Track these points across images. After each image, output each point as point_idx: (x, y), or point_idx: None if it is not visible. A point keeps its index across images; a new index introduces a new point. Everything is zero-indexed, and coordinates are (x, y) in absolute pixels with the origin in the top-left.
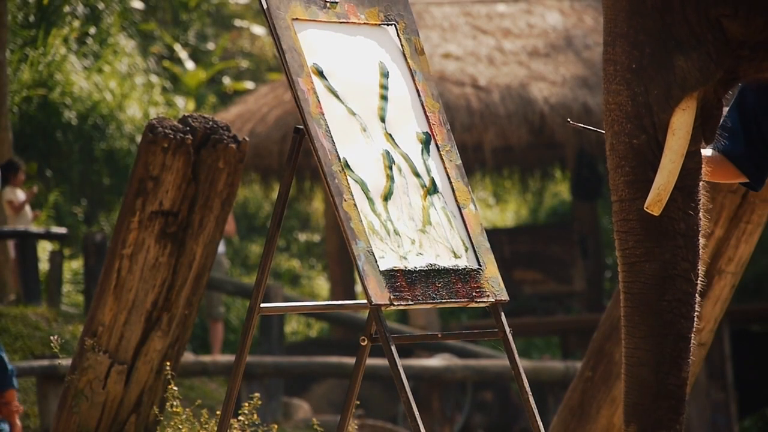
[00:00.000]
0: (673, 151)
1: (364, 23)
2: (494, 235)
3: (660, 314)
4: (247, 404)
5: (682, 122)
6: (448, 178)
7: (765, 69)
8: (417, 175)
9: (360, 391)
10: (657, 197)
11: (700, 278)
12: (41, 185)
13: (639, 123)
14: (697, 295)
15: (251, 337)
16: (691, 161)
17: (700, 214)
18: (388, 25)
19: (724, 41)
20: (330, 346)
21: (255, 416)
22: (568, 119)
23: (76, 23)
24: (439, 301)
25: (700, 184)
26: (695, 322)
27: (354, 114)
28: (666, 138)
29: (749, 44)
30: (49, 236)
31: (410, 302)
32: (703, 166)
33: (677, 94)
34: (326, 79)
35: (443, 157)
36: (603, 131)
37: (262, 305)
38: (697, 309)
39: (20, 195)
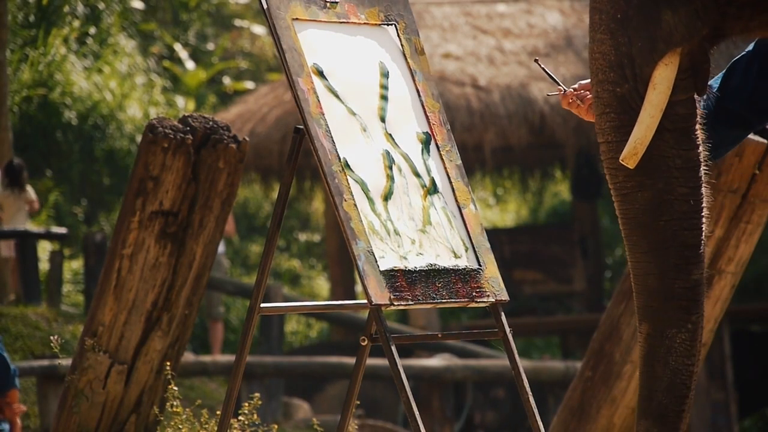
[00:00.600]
0: (652, 105)
1: (364, 23)
2: (494, 235)
3: (658, 231)
4: (247, 404)
5: (663, 77)
6: (448, 178)
7: (751, 28)
8: (417, 175)
9: (361, 390)
10: (633, 150)
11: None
12: (42, 186)
13: (621, 72)
14: (702, 212)
15: (251, 337)
16: (683, 107)
17: (700, 149)
18: (388, 25)
19: None
20: (332, 348)
21: (255, 416)
22: (536, 58)
23: (76, 23)
24: (439, 301)
25: (697, 125)
26: (703, 233)
27: (354, 114)
28: (647, 91)
29: (736, 3)
30: (49, 236)
31: (410, 302)
32: (697, 110)
33: (662, 48)
34: (326, 79)
35: (443, 157)
36: (561, 86)
37: (262, 305)
38: (704, 222)
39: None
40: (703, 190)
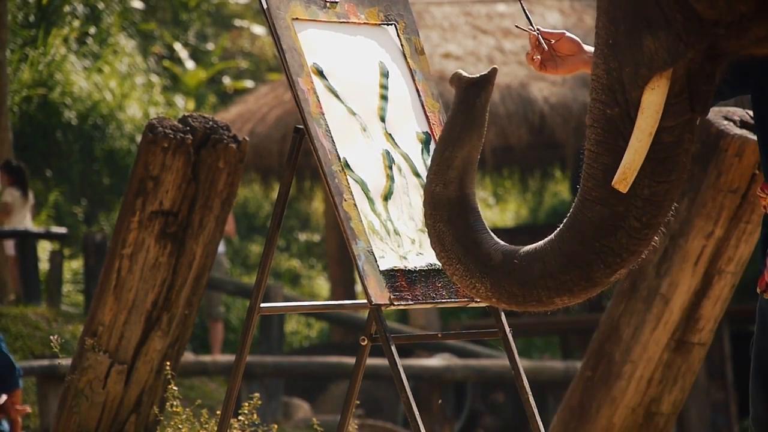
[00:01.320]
0: (640, 130)
1: (364, 23)
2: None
3: (587, 248)
4: (247, 404)
5: (650, 101)
6: None
7: (744, 46)
8: (417, 174)
9: (361, 390)
10: (622, 176)
11: (655, 244)
12: (41, 186)
13: (613, 96)
14: (633, 256)
15: (251, 337)
16: (670, 135)
17: (674, 184)
18: (388, 24)
19: (696, 21)
20: (332, 348)
21: (255, 416)
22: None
23: (76, 23)
24: (439, 300)
25: (681, 157)
26: (616, 276)
27: (354, 114)
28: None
29: (722, 23)
30: (49, 236)
31: (410, 302)
32: (686, 139)
33: (644, 74)
34: (326, 78)
35: None
36: (532, 26)
37: (262, 305)
38: (625, 264)
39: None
40: (656, 232)
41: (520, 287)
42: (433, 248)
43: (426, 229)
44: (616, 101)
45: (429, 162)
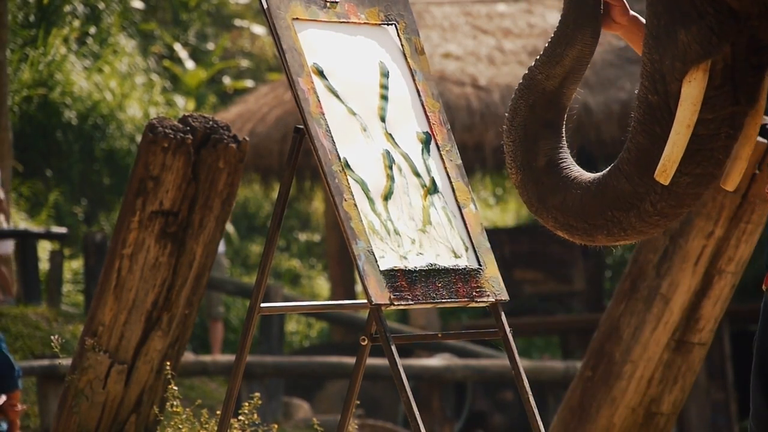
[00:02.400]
0: (678, 122)
1: (365, 23)
2: (494, 234)
3: (598, 213)
4: (247, 404)
5: (687, 94)
6: (449, 177)
7: None
8: (417, 174)
9: (361, 390)
10: (662, 168)
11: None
12: (42, 186)
13: (654, 86)
14: (640, 232)
15: (251, 337)
16: (705, 128)
17: (700, 180)
18: (388, 24)
19: (728, 14)
20: (332, 348)
21: (255, 416)
22: None
23: (76, 23)
24: (439, 300)
25: (714, 152)
26: (616, 244)
27: (354, 114)
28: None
29: (754, 15)
30: (49, 236)
31: (410, 302)
32: (723, 134)
33: (679, 67)
34: (326, 78)
35: (443, 157)
36: None
37: (262, 305)
38: (627, 239)
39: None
40: (670, 221)
41: (537, 202)
42: (505, 121)
43: (425, 230)
44: (656, 90)
45: (430, 160)
